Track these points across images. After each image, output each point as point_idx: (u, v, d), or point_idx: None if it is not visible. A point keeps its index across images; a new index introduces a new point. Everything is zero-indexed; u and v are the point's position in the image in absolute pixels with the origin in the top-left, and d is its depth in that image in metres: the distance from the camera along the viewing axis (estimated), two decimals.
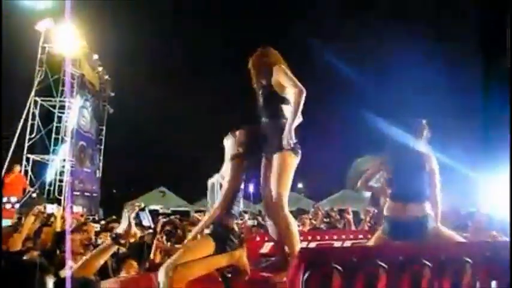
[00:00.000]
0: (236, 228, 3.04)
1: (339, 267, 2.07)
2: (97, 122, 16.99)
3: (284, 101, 3.19)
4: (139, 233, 2.42)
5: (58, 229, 4.82)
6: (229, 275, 2.89)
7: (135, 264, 4.08)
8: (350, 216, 5.64)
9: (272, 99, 3.22)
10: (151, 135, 24.29)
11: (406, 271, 2.17)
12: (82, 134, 14.96)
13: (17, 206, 9.53)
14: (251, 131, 3.23)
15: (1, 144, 9.18)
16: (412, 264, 2.17)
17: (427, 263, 2.15)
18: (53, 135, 14.01)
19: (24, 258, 3.39)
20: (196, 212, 13.41)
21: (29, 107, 12.99)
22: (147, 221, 2.34)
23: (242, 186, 3.10)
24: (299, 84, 3.08)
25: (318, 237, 4.07)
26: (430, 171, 3.23)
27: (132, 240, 2.47)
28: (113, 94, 18.13)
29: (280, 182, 3.05)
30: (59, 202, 12.32)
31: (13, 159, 11.68)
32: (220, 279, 2.85)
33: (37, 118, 13.37)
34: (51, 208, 4.64)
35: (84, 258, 2.43)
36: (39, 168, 13.57)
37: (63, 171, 13.95)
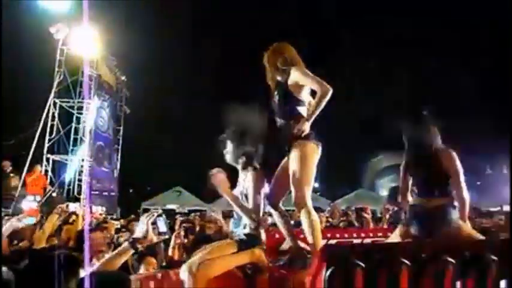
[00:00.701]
0: (263, 236, 3.05)
1: (362, 264, 2.07)
2: (114, 122, 17.20)
3: (300, 102, 3.15)
4: (155, 239, 2.44)
5: (79, 228, 4.91)
6: (250, 272, 2.91)
7: (154, 261, 4.14)
8: (369, 216, 5.60)
9: (288, 99, 3.16)
10: (168, 135, 24.45)
11: (429, 268, 2.16)
12: (100, 134, 15.16)
13: (38, 204, 9.73)
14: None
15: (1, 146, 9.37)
16: (435, 262, 2.16)
17: (451, 260, 2.14)
18: (72, 136, 14.26)
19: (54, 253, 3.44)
20: (213, 211, 13.45)
21: (49, 109, 13.24)
22: (164, 227, 2.37)
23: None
24: (324, 83, 3.01)
25: (337, 235, 4.06)
26: (452, 168, 3.19)
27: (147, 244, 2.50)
28: (129, 94, 18.33)
29: (301, 174, 2.99)
30: (78, 201, 12.54)
31: (34, 160, 11.91)
32: (241, 276, 2.87)
33: (56, 119, 13.62)
34: (73, 207, 4.71)
35: (103, 259, 2.47)
36: (58, 168, 13.82)
37: (81, 171, 14.17)
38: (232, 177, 3.17)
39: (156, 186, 23.76)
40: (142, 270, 3.90)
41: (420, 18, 22.55)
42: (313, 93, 3.18)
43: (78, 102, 14.39)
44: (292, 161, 3.05)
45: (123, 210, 17.02)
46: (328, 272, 2.07)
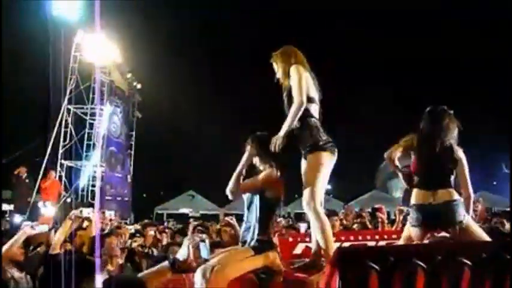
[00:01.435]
0: (275, 241, 3.05)
1: (376, 267, 2.06)
2: (127, 127, 17.33)
3: (308, 99, 3.16)
4: (194, 264, 2.45)
5: (93, 233, 4.95)
6: (264, 276, 2.90)
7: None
8: (384, 216, 5.55)
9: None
10: (180, 140, 24.58)
11: (445, 270, 2.14)
12: (112, 140, 15.29)
13: (53, 211, 9.85)
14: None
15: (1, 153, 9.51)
16: (451, 264, 2.13)
17: (467, 261, 2.11)
18: (85, 142, 14.39)
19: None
20: (226, 215, 13.44)
21: (62, 115, 13.41)
22: (206, 253, 2.35)
23: None
24: (300, 97, 3.05)
25: (351, 238, 4.04)
26: (458, 161, 3.20)
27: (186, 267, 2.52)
28: (141, 99, 18.46)
29: (310, 179, 3.05)
30: (92, 206, 12.64)
31: (49, 166, 12.07)
32: (255, 280, 2.87)
33: (70, 125, 13.78)
34: (86, 212, 4.74)
35: (143, 274, 2.51)
36: (72, 173, 13.96)
37: (95, 177, 14.30)
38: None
39: (169, 191, 23.91)
40: None
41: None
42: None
43: (91, 108, 14.54)
44: (306, 167, 3.11)
45: (137, 215, 17.13)
46: (342, 275, 2.06)
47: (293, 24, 23.83)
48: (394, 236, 4.14)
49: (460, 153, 3.24)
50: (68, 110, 13.77)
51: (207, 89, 23.79)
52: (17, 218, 9.87)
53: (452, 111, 3.31)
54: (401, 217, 5.14)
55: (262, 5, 22.76)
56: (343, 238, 4.00)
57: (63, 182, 13.23)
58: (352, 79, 23.76)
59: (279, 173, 3.06)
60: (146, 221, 10.36)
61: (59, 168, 13.34)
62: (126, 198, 16.83)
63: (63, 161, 13.63)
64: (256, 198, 3.06)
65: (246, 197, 3.15)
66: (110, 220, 9.58)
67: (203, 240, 2.36)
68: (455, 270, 2.13)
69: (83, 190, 14.06)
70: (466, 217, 3.07)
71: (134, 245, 5.09)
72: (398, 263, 2.10)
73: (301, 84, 3.10)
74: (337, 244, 3.68)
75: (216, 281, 2.58)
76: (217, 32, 24.90)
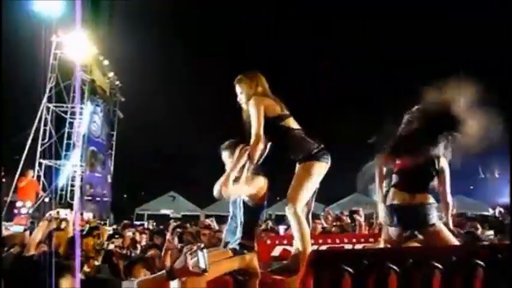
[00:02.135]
0: (256, 248, 3.06)
1: (350, 269, 2.08)
2: (108, 127, 17.14)
3: (276, 120, 3.17)
4: (192, 273, 2.42)
5: (70, 234, 4.87)
6: (241, 278, 2.91)
7: (144, 270, 4.12)
8: (361, 218, 5.62)
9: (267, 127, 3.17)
10: (162, 141, 24.40)
11: (417, 273, 2.18)
12: (93, 139, 15.09)
13: (30, 210, 9.67)
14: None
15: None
16: (422, 267, 2.18)
17: (438, 265, 2.16)
18: (65, 141, 14.17)
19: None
20: (207, 217, 13.42)
21: (41, 113, 13.18)
22: (203, 263, 2.31)
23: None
24: (257, 132, 3.03)
25: (329, 241, 4.07)
26: (441, 171, 3.27)
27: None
28: (123, 99, 18.28)
29: (297, 185, 3.10)
30: (71, 207, 12.45)
31: (26, 165, 11.84)
32: (232, 282, 2.87)
33: (49, 124, 13.55)
34: (64, 213, 4.67)
35: (139, 281, 2.49)
36: (51, 173, 13.72)
37: (74, 177, 14.09)
38: None
39: (150, 192, 23.70)
40: (132, 277, 3.88)
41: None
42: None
43: (72, 107, 14.32)
44: (297, 172, 3.16)
45: (117, 215, 16.94)
46: (317, 277, 2.08)
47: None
48: (371, 240, 4.20)
49: (444, 163, 3.30)
50: (48, 108, 13.53)
51: (189, 89, 23.70)
52: None
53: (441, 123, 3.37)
54: (378, 220, 5.20)
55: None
56: (321, 241, 4.04)
57: (41, 182, 12.99)
58: (342, 80, 23.92)
59: (266, 180, 3.09)
60: (125, 221, 10.26)
61: (37, 168, 13.11)
62: (106, 199, 16.61)
63: (41, 160, 13.39)
64: (240, 202, 3.07)
65: (231, 200, 3.16)
66: (87, 222, 9.44)
67: (202, 249, 2.33)
68: (427, 274, 2.17)
69: (61, 190, 13.83)
70: (438, 221, 3.14)
71: (111, 246, 5.03)
72: (372, 266, 2.13)
73: (259, 119, 3.08)
74: (315, 247, 3.72)
75: (191, 282, 2.58)
76: (205, 29, 24.83)
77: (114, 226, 10.17)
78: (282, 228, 7.55)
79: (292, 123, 3.22)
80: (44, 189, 12.64)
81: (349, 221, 7.55)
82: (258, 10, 22.62)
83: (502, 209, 11.24)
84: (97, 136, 15.55)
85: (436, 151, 3.27)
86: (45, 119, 13.44)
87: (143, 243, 6.65)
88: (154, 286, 2.39)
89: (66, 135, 14.29)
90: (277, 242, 3.94)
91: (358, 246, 4.08)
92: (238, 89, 3.39)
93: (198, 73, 24.52)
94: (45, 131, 13.42)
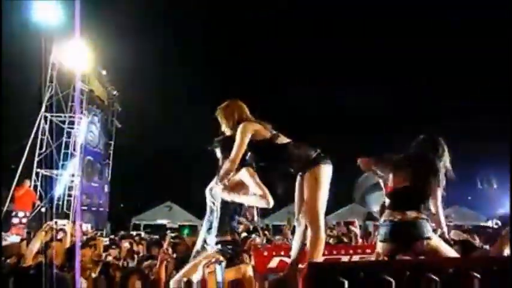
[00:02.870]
0: (240, 243, 3.09)
1: (347, 282, 2.09)
2: (105, 136, 17.13)
3: (269, 141, 3.23)
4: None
5: (67, 245, 4.87)
6: None
7: (139, 282, 4.11)
8: (356, 229, 5.63)
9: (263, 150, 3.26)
10: (159, 150, 24.38)
11: (413, 286, 2.19)
12: (90, 149, 15.09)
13: (25, 220, 9.62)
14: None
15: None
16: (419, 279, 2.19)
17: (434, 277, 2.17)
18: (62, 150, 14.14)
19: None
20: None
21: (39, 123, 13.18)
22: (220, 276, 2.30)
23: None
24: (236, 158, 3.07)
25: (326, 252, 4.07)
26: (433, 184, 3.28)
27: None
28: (120, 109, 18.30)
29: (311, 196, 3.14)
30: (67, 217, 12.40)
31: (23, 174, 11.80)
32: None
33: (47, 133, 13.53)
34: (61, 224, 4.67)
35: None
36: (48, 183, 13.67)
37: (71, 186, 14.04)
38: None
39: (147, 202, 23.62)
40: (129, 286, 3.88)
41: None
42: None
43: (69, 116, 14.32)
44: (306, 185, 3.18)
45: (113, 225, 16.87)
46: None
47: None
48: (368, 251, 4.20)
49: (439, 185, 3.32)
50: (45, 118, 13.53)
51: (186, 99, 23.74)
52: None
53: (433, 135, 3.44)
54: (376, 232, 5.21)
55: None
56: None
57: (38, 192, 12.93)
58: (332, 89, 23.99)
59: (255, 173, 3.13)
60: (122, 232, 10.22)
61: (34, 177, 13.06)
62: (102, 209, 16.56)
63: (38, 170, 13.35)
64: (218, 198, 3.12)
65: (208, 196, 3.20)
66: (84, 233, 9.42)
67: (220, 263, 2.32)
68: (424, 286, 2.18)
69: (58, 200, 13.77)
70: (433, 235, 3.15)
71: (109, 258, 5.02)
72: (368, 279, 2.14)
73: (241, 147, 3.11)
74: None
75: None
76: (201, 38, 24.96)
77: (112, 236, 10.13)
78: (278, 239, 7.54)
79: (284, 138, 3.28)
80: (40, 199, 12.59)
81: (345, 231, 7.55)
82: (257, 10, 22.75)
83: (499, 222, 11.26)
84: (94, 146, 15.56)
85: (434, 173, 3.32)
86: (43, 128, 13.42)
87: (141, 253, 6.63)
88: None
89: (63, 144, 14.26)
90: (274, 253, 3.94)
91: (355, 258, 4.08)
92: (219, 119, 3.45)
93: (200, 83, 24.64)
94: (42, 140, 13.40)
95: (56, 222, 4.47)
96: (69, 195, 13.95)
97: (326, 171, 3.19)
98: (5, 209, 10.40)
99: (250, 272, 2.97)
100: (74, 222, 9.53)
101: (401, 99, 22.74)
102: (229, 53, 24.77)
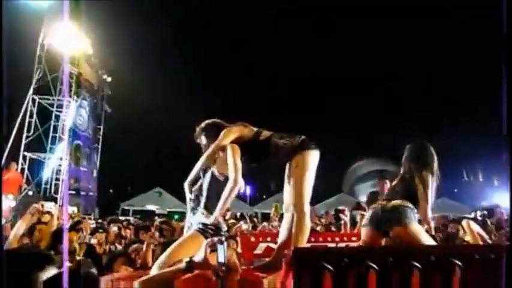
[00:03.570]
0: (223, 224, 3.10)
1: (330, 267, 2.11)
2: (94, 121, 16.97)
3: (254, 139, 3.26)
4: (212, 267, 2.41)
5: (53, 228, 4.83)
6: (221, 274, 2.91)
7: (125, 264, 4.11)
8: (347, 218, 5.69)
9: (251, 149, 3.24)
10: (149, 135, 24.27)
11: (396, 272, 2.21)
12: (78, 133, 14.93)
13: (13, 204, 9.54)
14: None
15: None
16: (402, 266, 2.21)
17: (417, 264, 2.20)
18: (51, 134, 13.98)
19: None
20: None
21: (27, 105, 13.00)
22: (222, 257, 2.27)
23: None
24: (237, 177, 3.01)
25: (312, 239, 4.10)
26: (417, 184, 3.37)
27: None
28: (110, 93, 18.09)
29: (297, 181, 3.14)
30: (55, 201, 12.31)
31: (10, 157, 11.66)
32: (212, 277, 2.87)
33: (35, 116, 13.37)
34: (48, 207, 4.63)
35: (154, 275, 2.50)
36: (35, 166, 13.55)
37: (59, 170, 13.93)
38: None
39: (137, 187, 23.56)
40: (114, 270, 3.88)
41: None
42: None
43: (58, 99, 14.15)
44: (292, 171, 3.19)
45: (102, 210, 16.80)
46: (297, 275, 2.11)
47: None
48: (354, 239, 4.24)
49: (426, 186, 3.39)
50: (33, 100, 13.35)
51: (178, 85, 23.58)
52: None
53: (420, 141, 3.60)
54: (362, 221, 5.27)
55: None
56: None
57: (25, 175, 12.82)
58: (323, 83, 24.03)
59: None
60: (111, 217, 10.19)
61: (21, 160, 12.93)
62: (91, 193, 16.46)
63: (26, 153, 13.21)
64: (208, 175, 3.12)
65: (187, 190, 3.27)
66: (71, 216, 9.37)
67: (221, 242, 2.30)
68: (406, 273, 2.21)
69: (46, 183, 13.67)
70: (415, 222, 3.21)
71: (94, 241, 5.00)
72: (352, 265, 2.16)
73: (236, 165, 3.07)
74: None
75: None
76: (194, 25, 24.72)
77: (100, 220, 10.10)
78: (265, 226, 7.59)
79: (266, 132, 3.30)
80: (27, 183, 12.49)
81: (333, 221, 7.62)
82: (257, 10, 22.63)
83: (484, 212, 11.44)
84: (83, 130, 15.39)
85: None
86: (31, 111, 13.25)
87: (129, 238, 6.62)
88: (173, 278, 2.39)
89: (52, 128, 14.10)
90: (260, 239, 3.96)
91: (341, 245, 4.12)
92: (198, 140, 3.51)
93: (190, 69, 24.48)
94: (30, 123, 13.23)
95: (42, 205, 4.43)
96: (57, 179, 13.84)
97: (312, 156, 3.19)
98: None
99: (235, 256, 2.97)
100: (61, 206, 9.45)
101: (395, 94, 22.90)
102: (230, 50, 24.66)
